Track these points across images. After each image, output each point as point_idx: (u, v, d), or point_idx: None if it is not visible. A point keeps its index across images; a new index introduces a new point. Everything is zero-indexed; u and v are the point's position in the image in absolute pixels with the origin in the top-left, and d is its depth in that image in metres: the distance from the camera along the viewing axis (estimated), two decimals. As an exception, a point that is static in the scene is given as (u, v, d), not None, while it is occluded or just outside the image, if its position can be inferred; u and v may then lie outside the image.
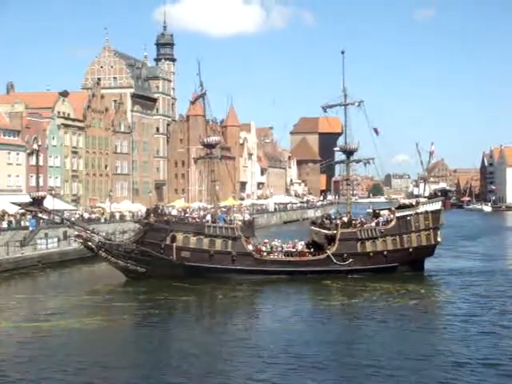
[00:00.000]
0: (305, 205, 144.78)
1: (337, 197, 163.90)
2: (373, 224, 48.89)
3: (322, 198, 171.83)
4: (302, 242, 50.04)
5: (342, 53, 52.46)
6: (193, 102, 54.48)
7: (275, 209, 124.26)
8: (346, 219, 49.61)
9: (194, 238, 45.51)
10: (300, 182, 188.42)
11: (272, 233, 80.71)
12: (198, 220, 47.96)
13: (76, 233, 47.71)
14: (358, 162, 52.27)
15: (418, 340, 29.20)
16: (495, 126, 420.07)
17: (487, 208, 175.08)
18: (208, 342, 29.11)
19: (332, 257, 46.80)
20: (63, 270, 52.53)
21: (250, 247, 46.64)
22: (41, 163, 73.89)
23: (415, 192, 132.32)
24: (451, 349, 27.25)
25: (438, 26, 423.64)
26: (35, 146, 65.97)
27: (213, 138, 51.81)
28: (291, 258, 47.35)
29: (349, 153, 51.94)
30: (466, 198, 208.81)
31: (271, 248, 48.25)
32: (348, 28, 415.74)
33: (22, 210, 52.77)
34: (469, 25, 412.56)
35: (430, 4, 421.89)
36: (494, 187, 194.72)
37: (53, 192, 65.87)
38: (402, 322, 32.79)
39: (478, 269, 52.16)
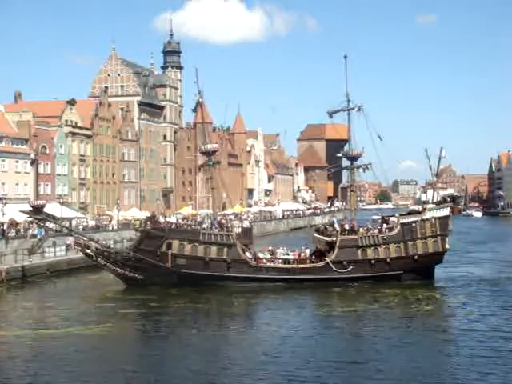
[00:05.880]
0: (314, 211, 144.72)
1: (344, 203, 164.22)
2: (375, 231, 48.37)
3: (329, 204, 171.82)
4: (308, 250, 49.44)
5: (345, 57, 51.76)
6: (194, 110, 55.12)
7: (283, 216, 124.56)
8: (347, 226, 49.16)
9: (189, 246, 45.59)
10: (307, 188, 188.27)
11: (279, 240, 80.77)
12: (194, 227, 48.09)
13: (74, 240, 48.27)
14: (358, 167, 51.56)
15: (419, 357, 27.61)
16: (503, 131, 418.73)
17: (477, 214, 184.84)
18: (211, 351, 29.31)
19: (331, 264, 46.18)
20: (71, 278, 52.81)
21: (248, 254, 46.45)
22: (48, 171, 74.72)
23: (423, 198, 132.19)
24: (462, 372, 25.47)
25: (441, 31, 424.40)
26: (32, 156, 66.31)
27: (210, 146, 51.88)
28: (288, 266, 46.72)
29: (352, 158, 51.59)
30: (475, 204, 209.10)
31: (270, 255, 47.75)
32: (352, 33, 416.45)
33: (30, 219, 53.15)
34: (472, 29, 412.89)
35: (432, 9, 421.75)
36: (502, 193, 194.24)
37: (61, 200, 66.34)
38: (404, 335, 31.96)
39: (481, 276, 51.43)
